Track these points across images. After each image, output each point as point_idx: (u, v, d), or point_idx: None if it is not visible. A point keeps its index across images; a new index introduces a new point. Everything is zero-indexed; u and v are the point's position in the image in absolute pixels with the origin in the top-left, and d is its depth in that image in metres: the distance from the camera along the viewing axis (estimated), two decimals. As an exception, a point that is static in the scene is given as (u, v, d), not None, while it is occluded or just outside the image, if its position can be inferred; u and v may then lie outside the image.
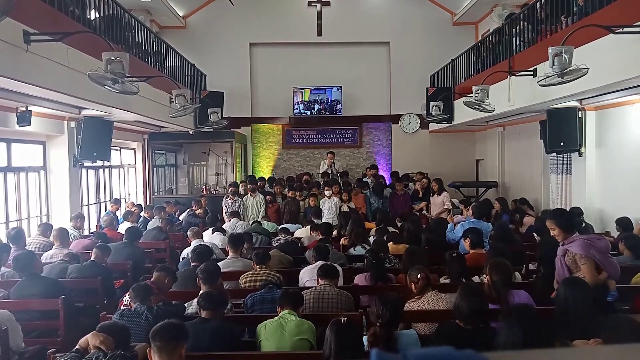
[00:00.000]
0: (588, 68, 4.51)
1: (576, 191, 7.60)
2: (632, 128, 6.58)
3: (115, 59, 4.59)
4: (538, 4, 6.89)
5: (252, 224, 7.49)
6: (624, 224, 5.77)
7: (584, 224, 6.62)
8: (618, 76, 4.88)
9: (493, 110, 7.08)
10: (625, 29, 4.47)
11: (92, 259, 4.89)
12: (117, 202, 8.63)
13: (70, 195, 7.38)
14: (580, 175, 7.51)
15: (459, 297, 3.01)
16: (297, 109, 12.14)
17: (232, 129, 11.28)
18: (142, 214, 8.31)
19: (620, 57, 4.73)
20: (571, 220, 3.74)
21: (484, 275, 3.63)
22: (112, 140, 7.81)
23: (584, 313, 2.99)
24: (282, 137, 12.61)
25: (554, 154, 7.83)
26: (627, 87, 5.46)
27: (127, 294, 3.75)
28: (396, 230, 6.40)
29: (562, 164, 7.80)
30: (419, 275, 3.62)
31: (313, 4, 12.38)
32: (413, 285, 3.66)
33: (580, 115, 7.22)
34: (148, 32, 8.42)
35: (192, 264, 4.72)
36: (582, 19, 5.56)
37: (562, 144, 7.29)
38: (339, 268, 4.39)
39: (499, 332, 2.54)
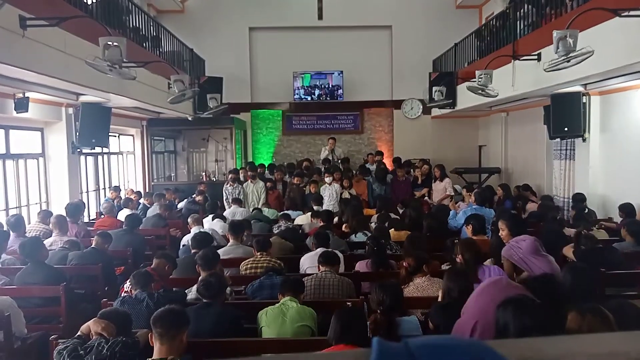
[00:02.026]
0: (593, 50, 4.43)
1: (579, 177, 7.56)
2: (636, 113, 6.51)
3: (113, 44, 4.52)
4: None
5: (253, 210, 7.47)
6: (626, 209, 5.74)
7: (587, 210, 6.59)
8: (623, 60, 4.80)
9: (496, 95, 7.01)
10: (632, 12, 4.38)
11: (92, 246, 4.88)
12: (116, 189, 8.60)
13: (69, 182, 7.35)
14: (583, 161, 7.46)
15: (447, 280, 3.14)
16: (297, 94, 12.04)
17: (231, 115, 11.21)
18: (141, 200, 8.29)
19: (626, 41, 4.65)
20: (521, 226, 4.04)
21: (457, 256, 3.80)
22: (111, 126, 7.75)
23: (585, 298, 2.98)
24: (282, 123, 12.53)
25: (558, 139, 7.77)
26: (632, 71, 5.38)
27: (128, 281, 3.74)
28: (397, 217, 6.38)
29: (566, 149, 7.74)
30: (410, 258, 3.72)
31: (314, -13, 12.19)
32: (404, 270, 3.78)
33: (584, 100, 7.14)
34: (145, 16, 8.30)
35: (192, 250, 4.70)
36: (587, 1, 5.45)
37: (565, 129, 7.22)
38: (340, 255, 4.38)
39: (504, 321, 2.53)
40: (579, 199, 6.76)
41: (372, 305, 3.04)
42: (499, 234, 4.02)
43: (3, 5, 3.59)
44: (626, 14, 4.42)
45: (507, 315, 2.47)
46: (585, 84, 6.78)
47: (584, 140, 7.33)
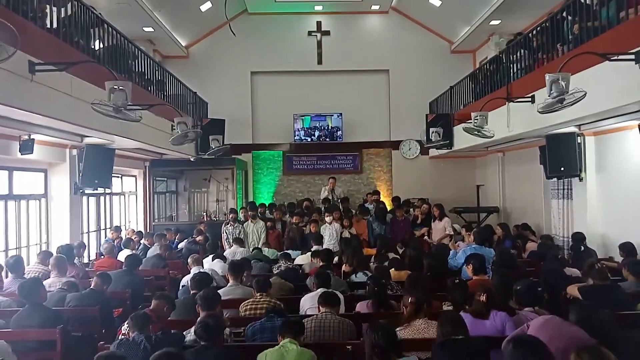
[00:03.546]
0: (585, 92, 4.56)
1: (578, 216, 7.57)
2: (631, 153, 6.61)
3: (118, 88, 4.66)
4: (534, 31, 7.04)
5: (253, 250, 7.44)
6: (627, 248, 5.72)
7: (582, 248, 6.57)
8: (614, 102, 4.93)
9: (492, 136, 7.13)
10: (620, 57, 4.54)
11: (91, 287, 4.84)
12: (117, 229, 8.60)
13: (70, 222, 7.36)
14: (581, 200, 7.50)
15: (442, 324, 3.16)
16: (297, 135, 12.24)
17: (233, 156, 11.35)
18: (142, 241, 8.27)
19: (616, 84, 4.79)
20: (534, 295, 3.88)
21: (482, 295, 3.78)
22: (114, 167, 7.84)
23: (608, 333, 3.00)
24: (282, 163, 12.67)
25: (555, 179, 7.84)
26: (624, 112, 5.51)
27: (126, 323, 3.70)
28: (397, 257, 6.35)
29: (563, 189, 7.79)
30: (409, 300, 3.64)
31: (313, 34, 12.65)
32: (404, 310, 3.69)
33: (579, 141, 7.26)
34: (151, 61, 8.56)
35: (192, 291, 4.67)
36: (577, 46, 5.66)
37: (562, 169, 7.30)
38: (340, 295, 4.34)
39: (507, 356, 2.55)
40: (578, 238, 6.75)
41: (367, 349, 2.99)
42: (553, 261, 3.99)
43: (15, 53, 3.74)
44: (615, 58, 4.58)
45: (508, 350, 2.52)
46: (579, 125, 6.91)
47: (580, 179, 7.39)
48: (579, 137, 7.25)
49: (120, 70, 6.75)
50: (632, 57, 4.47)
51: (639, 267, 4.78)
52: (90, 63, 5.53)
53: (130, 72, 7.41)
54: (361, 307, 4.40)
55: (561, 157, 7.24)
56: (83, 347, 4.29)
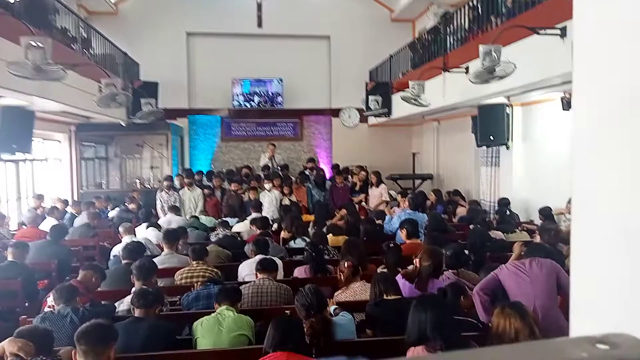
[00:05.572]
0: (515, 65, 4.75)
1: (504, 182, 8.04)
2: (553, 123, 7.04)
3: (36, 44, 4.26)
4: (470, 3, 7.18)
5: (190, 218, 7.27)
6: (545, 213, 6.17)
7: (508, 212, 7.02)
8: (541, 75, 5.18)
9: (428, 105, 7.30)
10: (548, 31, 4.75)
11: (9, 259, 4.53)
12: (39, 197, 8.04)
13: (-14, 191, 6.80)
14: (507, 168, 7.95)
15: (376, 283, 3.36)
16: (236, 100, 11.91)
17: (167, 120, 10.86)
18: (68, 209, 7.81)
19: (543, 57, 5.02)
20: (460, 259, 4.12)
21: (415, 259, 3.82)
22: (35, 131, 7.25)
23: None
24: (221, 129, 12.34)
25: (484, 147, 8.23)
26: (550, 85, 5.81)
27: (51, 294, 3.52)
28: (335, 223, 6.45)
29: (491, 156, 8.21)
30: (345, 264, 3.73)
31: (253, -5, 12.17)
32: (341, 275, 3.77)
33: (508, 111, 7.62)
34: (74, 16, 7.88)
35: (124, 261, 4.51)
36: (510, 19, 5.85)
37: (491, 138, 7.66)
38: (279, 261, 4.36)
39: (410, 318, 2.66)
40: (503, 203, 7.19)
41: (300, 314, 3.02)
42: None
43: None
44: (543, 32, 4.79)
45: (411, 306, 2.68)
46: (508, 96, 7.23)
47: (507, 148, 7.81)
48: (507, 108, 7.60)
49: (39, 25, 6.16)
50: (558, 32, 4.69)
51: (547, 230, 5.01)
52: (3, 15, 4.99)
53: (51, 28, 6.78)
54: (299, 272, 4.46)
55: (491, 126, 7.58)
56: (1, 322, 4.05)
